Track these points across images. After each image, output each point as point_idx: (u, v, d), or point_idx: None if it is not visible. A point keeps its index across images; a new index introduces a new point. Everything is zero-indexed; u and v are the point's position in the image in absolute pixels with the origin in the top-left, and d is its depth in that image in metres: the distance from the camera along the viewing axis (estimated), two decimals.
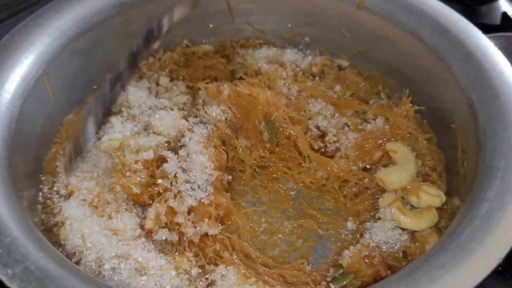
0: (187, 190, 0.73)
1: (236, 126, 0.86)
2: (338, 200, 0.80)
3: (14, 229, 0.58)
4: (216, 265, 0.69)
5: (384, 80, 0.93)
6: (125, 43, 0.91)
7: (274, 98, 0.85)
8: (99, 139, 0.82)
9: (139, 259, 0.67)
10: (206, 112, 0.83)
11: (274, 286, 0.66)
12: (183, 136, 0.81)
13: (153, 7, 0.91)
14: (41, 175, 0.79)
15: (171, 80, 0.94)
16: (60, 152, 0.82)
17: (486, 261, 0.54)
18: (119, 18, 0.88)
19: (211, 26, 0.99)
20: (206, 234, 0.72)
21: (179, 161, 0.77)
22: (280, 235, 0.78)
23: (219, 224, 0.74)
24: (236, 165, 0.85)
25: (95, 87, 0.91)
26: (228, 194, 0.80)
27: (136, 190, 0.74)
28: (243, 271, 0.67)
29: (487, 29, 0.79)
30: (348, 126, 0.85)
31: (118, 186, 0.76)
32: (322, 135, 0.86)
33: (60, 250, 0.68)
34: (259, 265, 0.71)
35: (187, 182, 0.75)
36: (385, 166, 0.81)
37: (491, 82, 0.72)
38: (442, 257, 0.55)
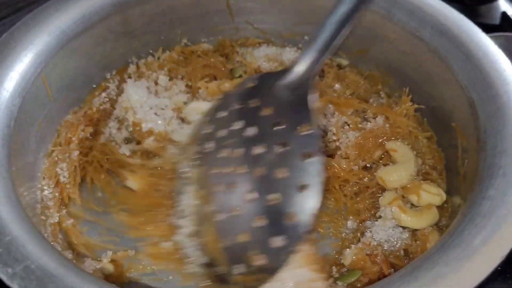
0: None
1: None
2: (338, 199, 0.80)
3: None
4: None
5: (383, 79, 0.93)
6: (125, 42, 0.91)
7: None
8: None
9: None
10: None
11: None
12: None
13: (153, 6, 0.91)
14: (39, 174, 0.78)
15: (170, 79, 0.93)
16: (60, 157, 0.82)
17: (488, 259, 0.54)
18: (118, 17, 0.87)
19: (210, 25, 0.99)
20: None
21: None
22: None
23: None
24: None
25: (94, 86, 0.91)
26: None
27: None
28: None
29: (486, 29, 0.79)
30: (348, 125, 0.85)
31: None
32: (322, 134, 0.86)
33: (60, 249, 0.67)
34: None
35: None
36: (385, 165, 0.81)
37: (491, 81, 0.72)
38: (445, 255, 0.55)
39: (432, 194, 0.76)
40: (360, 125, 0.84)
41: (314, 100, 0.70)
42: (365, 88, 0.93)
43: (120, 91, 0.91)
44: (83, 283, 0.54)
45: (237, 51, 1.00)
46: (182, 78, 0.94)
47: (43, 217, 0.74)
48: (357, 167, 0.80)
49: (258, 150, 0.69)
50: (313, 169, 0.64)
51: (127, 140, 0.87)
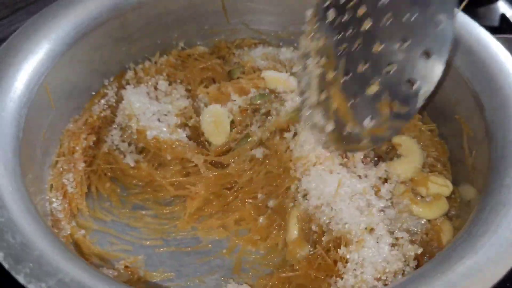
0: None
1: None
2: None
3: (40, 241, 0.56)
4: None
5: None
6: (122, 47, 0.89)
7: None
8: None
9: None
10: None
11: None
12: None
13: (149, 10, 0.90)
14: (46, 186, 0.76)
15: (170, 84, 0.93)
16: (65, 167, 0.80)
17: None
18: (116, 22, 0.86)
19: (206, 27, 0.98)
20: None
21: None
22: None
23: None
24: None
25: (93, 93, 0.89)
26: None
27: None
28: None
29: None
30: None
31: None
32: None
33: None
34: None
35: None
36: (391, 159, 0.82)
37: (493, 73, 0.75)
38: (472, 244, 0.56)
39: (439, 185, 0.78)
40: None
41: None
42: None
43: (119, 97, 0.89)
44: None
45: (233, 53, 1.00)
46: (181, 82, 0.94)
47: (56, 230, 0.72)
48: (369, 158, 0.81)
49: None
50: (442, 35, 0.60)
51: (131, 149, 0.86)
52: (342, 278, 0.65)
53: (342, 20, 0.72)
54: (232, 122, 0.86)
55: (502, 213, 0.59)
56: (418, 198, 0.78)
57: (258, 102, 0.86)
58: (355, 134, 0.71)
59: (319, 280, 0.68)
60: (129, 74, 0.93)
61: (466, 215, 0.68)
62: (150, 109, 0.85)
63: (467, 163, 0.77)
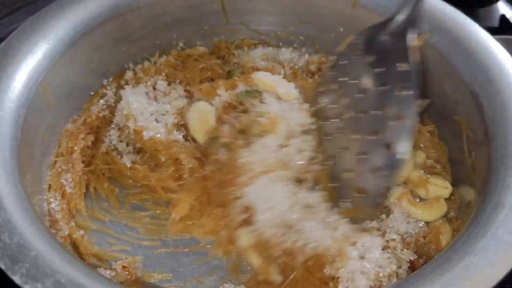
0: None
1: None
2: None
3: (37, 242, 0.56)
4: None
5: None
6: (121, 47, 0.89)
7: None
8: None
9: None
10: None
11: None
12: None
13: (148, 10, 0.89)
14: (45, 186, 0.76)
15: (169, 84, 0.92)
16: (64, 168, 0.80)
17: None
18: (115, 22, 0.86)
19: (206, 27, 0.98)
20: None
21: None
22: None
23: None
24: None
25: (92, 93, 0.89)
26: None
27: None
28: None
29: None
30: None
31: None
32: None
33: None
34: None
35: None
36: None
37: (493, 74, 0.74)
38: (472, 245, 0.56)
39: (439, 187, 0.78)
40: None
41: (412, 38, 0.75)
42: None
43: (118, 97, 0.89)
44: None
45: (233, 53, 0.99)
46: (180, 83, 0.93)
47: (53, 231, 0.72)
48: None
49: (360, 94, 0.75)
50: (408, 101, 0.70)
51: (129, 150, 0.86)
52: None
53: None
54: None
55: (502, 214, 0.59)
56: (417, 200, 0.78)
57: (244, 98, 0.84)
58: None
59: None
60: (129, 74, 0.93)
61: (465, 217, 0.68)
62: (148, 109, 0.84)
63: (467, 164, 0.77)
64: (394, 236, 0.70)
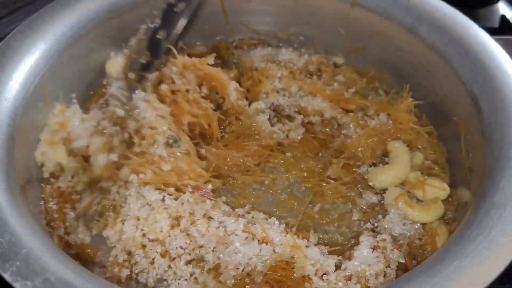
0: None
1: None
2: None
3: (29, 240, 0.56)
4: None
5: (380, 76, 0.94)
6: (120, 47, 0.89)
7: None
8: None
9: None
10: None
11: None
12: None
13: (148, 10, 0.89)
14: (42, 185, 0.77)
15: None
16: None
17: (507, 249, 0.55)
18: (113, 22, 0.86)
19: (206, 27, 0.98)
20: None
21: None
22: None
23: None
24: None
25: (91, 92, 0.89)
26: None
27: None
28: None
29: (485, 32, 0.80)
30: (350, 123, 0.85)
31: None
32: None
33: None
34: None
35: None
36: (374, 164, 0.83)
37: (491, 74, 0.74)
38: (464, 247, 0.56)
39: (437, 189, 0.77)
40: (361, 122, 0.85)
41: None
42: (362, 86, 0.94)
43: None
44: None
45: (232, 53, 1.00)
46: None
47: (49, 230, 0.72)
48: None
49: None
50: None
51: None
52: None
53: None
54: None
55: (495, 216, 0.58)
56: (414, 201, 0.77)
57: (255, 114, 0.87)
58: None
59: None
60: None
61: (462, 218, 0.67)
62: None
63: (465, 165, 0.76)
64: (385, 236, 0.69)
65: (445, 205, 0.76)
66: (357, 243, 0.70)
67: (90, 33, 0.83)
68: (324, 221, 0.78)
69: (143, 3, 0.87)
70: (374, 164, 0.82)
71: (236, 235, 0.68)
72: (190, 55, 0.96)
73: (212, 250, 0.68)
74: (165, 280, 0.68)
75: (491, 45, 0.77)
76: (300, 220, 0.77)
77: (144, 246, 0.69)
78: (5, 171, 0.64)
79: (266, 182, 0.82)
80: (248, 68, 0.94)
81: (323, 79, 0.93)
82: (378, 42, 0.91)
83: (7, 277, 0.52)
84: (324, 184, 0.81)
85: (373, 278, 0.63)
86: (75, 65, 0.83)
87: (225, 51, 1.00)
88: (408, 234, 0.72)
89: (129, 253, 0.70)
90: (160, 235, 0.69)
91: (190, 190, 0.75)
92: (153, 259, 0.68)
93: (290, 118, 0.89)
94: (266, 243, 0.67)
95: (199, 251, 0.68)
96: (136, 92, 0.80)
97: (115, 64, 0.87)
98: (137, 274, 0.69)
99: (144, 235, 0.69)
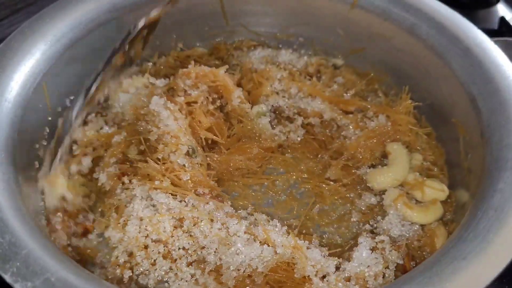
0: None
1: None
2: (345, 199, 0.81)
3: (29, 241, 0.56)
4: None
5: (380, 78, 0.94)
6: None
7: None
8: None
9: None
10: None
11: None
12: None
13: (148, 11, 0.90)
14: (42, 185, 0.77)
15: None
16: None
17: (505, 251, 0.55)
18: (114, 23, 0.86)
19: (206, 29, 0.98)
20: None
21: None
22: None
23: None
24: None
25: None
26: None
27: None
28: None
29: (485, 33, 0.80)
30: (350, 125, 0.85)
31: None
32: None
33: None
34: None
35: None
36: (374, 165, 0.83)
37: (490, 76, 0.74)
38: (462, 249, 0.56)
39: (436, 190, 0.77)
40: (360, 123, 0.85)
41: None
42: (361, 87, 0.94)
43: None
44: None
45: (232, 54, 1.00)
46: None
47: (49, 231, 0.73)
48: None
49: None
50: None
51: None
52: None
53: None
54: None
55: (493, 218, 0.58)
56: (413, 202, 0.78)
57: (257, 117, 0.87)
58: None
59: None
60: None
61: (461, 220, 0.68)
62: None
63: (463, 166, 0.76)
64: (383, 238, 0.69)
65: (444, 207, 0.77)
66: (356, 244, 0.70)
67: (91, 34, 0.84)
68: (323, 222, 0.78)
69: (143, 4, 0.87)
70: (373, 166, 0.82)
71: (238, 236, 0.68)
72: (189, 56, 0.97)
73: (214, 252, 0.68)
74: (166, 282, 0.68)
75: (490, 47, 0.77)
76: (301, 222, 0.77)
77: (146, 247, 0.69)
78: (5, 171, 0.64)
79: (265, 183, 0.83)
80: (248, 69, 0.94)
81: (322, 81, 0.94)
82: (377, 44, 0.91)
83: (7, 278, 0.52)
84: (323, 185, 0.81)
85: (372, 279, 0.64)
86: (75, 66, 0.83)
87: (224, 52, 1.00)
88: (407, 235, 0.72)
89: (131, 254, 0.70)
90: (163, 235, 0.69)
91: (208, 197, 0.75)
92: (154, 260, 0.68)
93: (290, 119, 0.89)
94: (268, 245, 0.67)
95: (201, 252, 0.68)
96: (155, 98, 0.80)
97: None
98: (137, 276, 0.69)
99: (147, 235, 0.69)
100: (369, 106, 0.87)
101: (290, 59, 0.98)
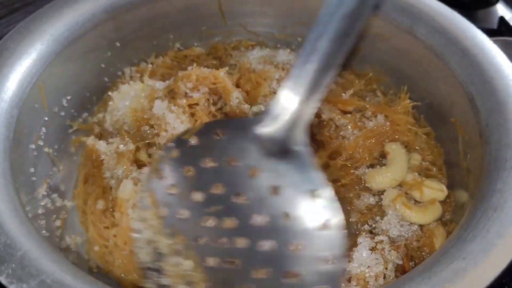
0: None
1: None
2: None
3: (25, 242, 0.56)
4: None
5: (378, 77, 0.94)
6: (117, 48, 0.89)
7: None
8: None
9: None
10: None
11: None
12: None
13: (145, 11, 0.90)
14: (40, 188, 0.76)
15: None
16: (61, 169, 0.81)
17: (504, 251, 0.55)
18: (111, 23, 0.86)
19: (203, 29, 0.98)
20: None
21: None
22: None
23: None
24: None
25: (88, 94, 0.89)
26: None
27: None
28: None
29: (484, 33, 0.80)
30: (348, 125, 0.85)
31: None
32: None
33: None
34: None
35: None
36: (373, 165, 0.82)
37: (489, 76, 0.73)
38: (461, 249, 0.56)
39: (435, 190, 0.77)
40: (359, 123, 0.85)
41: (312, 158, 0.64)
42: (360, 87, 0.94)
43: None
44: None
45: (230, 54, 0.99)
46: None
47: (43, 231, 0.72)
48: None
49: (258, 220, 0.61)
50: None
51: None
52: None
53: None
54: None
55: (492, 218, 0.58)
56: (412, 202, 0.77)
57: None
58: None
59: None
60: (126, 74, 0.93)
61: (460, 220, 0.67)
62: None
63: (462, 166, 0.76)
64: (382, 238, 0.69)
65: (442, 207, 0.76)
66: (355, 244, 0.70)
67: (88, 34, 0.83)
68: None
69: (140, 4, 0.87)
70: (372, 166, 0.82)
71: None
72: (186, 56, 0.97)
73: None
74: None
75: (489, 47, 0.77)
76: None
77: None
78: (1, 172, 0.64)
79: None
80: (246, 70, 0.93)
81: None
82: (376, 43, 0.91)
83: (2, 279, 0.52)
84: None
85: (372, 280, 0.63)
86: (72, 66, 0.83)
87: (222, 52, 1.00)
88: (406, 235, 0.72)
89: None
90: None
91: None
92: None
93: None
94: None
95: None
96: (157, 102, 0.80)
97: None
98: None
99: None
100: (367, 106, 0.86)
101: (288, 59, 0.97)
